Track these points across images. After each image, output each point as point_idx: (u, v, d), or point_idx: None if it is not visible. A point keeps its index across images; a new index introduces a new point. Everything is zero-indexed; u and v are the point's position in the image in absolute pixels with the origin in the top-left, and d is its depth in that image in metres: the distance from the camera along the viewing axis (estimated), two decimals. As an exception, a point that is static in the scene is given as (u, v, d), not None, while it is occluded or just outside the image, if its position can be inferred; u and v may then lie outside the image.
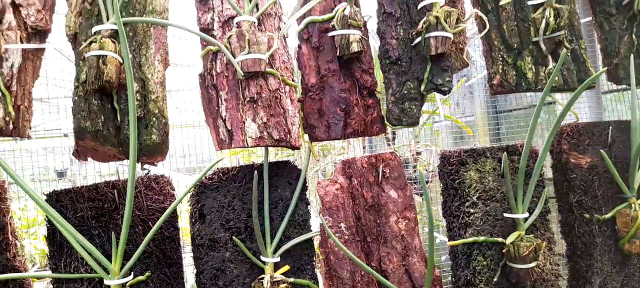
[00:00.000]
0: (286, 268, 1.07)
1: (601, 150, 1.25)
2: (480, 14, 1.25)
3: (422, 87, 1.18)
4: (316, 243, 1.19)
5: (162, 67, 1.07)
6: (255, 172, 0.99)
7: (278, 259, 1.06)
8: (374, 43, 1.27)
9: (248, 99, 1.02)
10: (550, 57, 1.29)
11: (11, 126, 0.95)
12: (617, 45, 1.39)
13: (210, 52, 1.08)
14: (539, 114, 1.11)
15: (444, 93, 1.20)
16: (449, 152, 1.21)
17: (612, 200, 1.27)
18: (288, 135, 1.04)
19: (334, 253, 1.12)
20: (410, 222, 1.15)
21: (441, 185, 1.24)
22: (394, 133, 3.21)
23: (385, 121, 1.20)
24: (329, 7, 1.17)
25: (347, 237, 1.13)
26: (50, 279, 0.94)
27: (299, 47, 1.15)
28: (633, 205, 1.24)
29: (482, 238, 1.16)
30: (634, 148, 1.23)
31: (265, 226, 1.06)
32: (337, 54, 1.13)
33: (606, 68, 1.18)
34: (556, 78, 1.30)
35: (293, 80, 1.12)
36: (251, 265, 1.06)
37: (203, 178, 1.07)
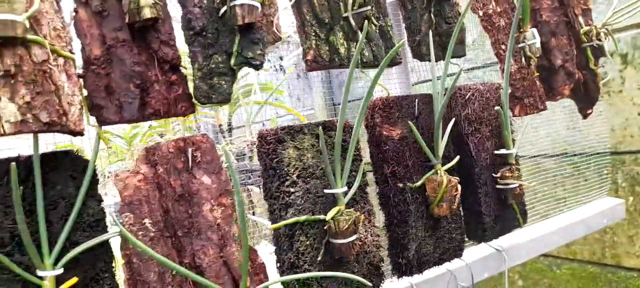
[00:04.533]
0: (73, 280, 0.87)
1: (409, 122, 1.31)
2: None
3: (232, 61, 1.08)
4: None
5: None
6: (13, 164, 0.77)
7: (60, 271, 0.85)
8: (177, 12, 1.13)
9: (2, 73, 0.80)
10: (360, 32, 1.30)
11: None
12: (419, 23, 1.49)
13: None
14: (349, 88, 1.10)
15: (256, 67, 1.11)
16: (266, 130, 1.13)
17: (422, 169, 1.34)
18: (63, 118, 0.84)
19: (138, 255, 0.95)
20: (227, 208, 1.04)
21: (260, 166, 1.16)
22: (229, 125, 3.08)
23: (193, 99, 1.07)
24: (115, -33, 0.99)
25: (153, 234, 0.97)
26: None
27: (76, 11, 0.95)
28: (439, 171, 1.32)
29: (303, 217, 1.11)
30: (436, 119, 1.31)
31: (40, 232, 0.84)
32: (127, 21, 0.96)
33: (402, 42, 1.23)
34: (366, 53, 1.32)
35: (71, 52, 0.92)
36: (24, 283, 0.84)
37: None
